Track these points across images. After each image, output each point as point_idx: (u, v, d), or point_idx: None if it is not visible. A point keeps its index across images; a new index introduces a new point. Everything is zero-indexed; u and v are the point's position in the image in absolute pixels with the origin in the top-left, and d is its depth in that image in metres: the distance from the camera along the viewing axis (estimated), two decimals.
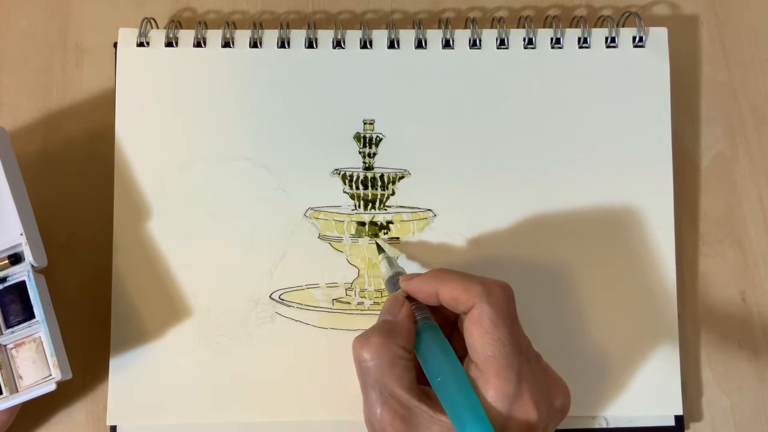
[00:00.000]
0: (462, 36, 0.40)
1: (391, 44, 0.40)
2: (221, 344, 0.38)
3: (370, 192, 0.39)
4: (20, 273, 0.35)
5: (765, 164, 0.42)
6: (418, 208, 0.39)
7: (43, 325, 0.34)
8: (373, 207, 0.39)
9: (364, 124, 0.40)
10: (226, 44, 0.40)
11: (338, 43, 0.40)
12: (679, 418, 0.38)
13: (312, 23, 0.40)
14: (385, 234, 0.39)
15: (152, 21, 0.40)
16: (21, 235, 0.35)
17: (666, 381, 0.38)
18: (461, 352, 0.30)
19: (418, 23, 0.40)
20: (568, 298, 0.39)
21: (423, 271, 0.35)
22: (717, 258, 0.41)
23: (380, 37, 0.40)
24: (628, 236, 0.39)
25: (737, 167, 0.42)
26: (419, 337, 0.31)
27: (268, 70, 0.40)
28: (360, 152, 0.40)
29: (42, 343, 0.35)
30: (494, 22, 0.41)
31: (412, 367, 0.30)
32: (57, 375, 0.34)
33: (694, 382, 0.40)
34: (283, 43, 0.40)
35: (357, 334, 0.32)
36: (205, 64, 0.40)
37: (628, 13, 0.41)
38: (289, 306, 0.38)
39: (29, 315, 0.35)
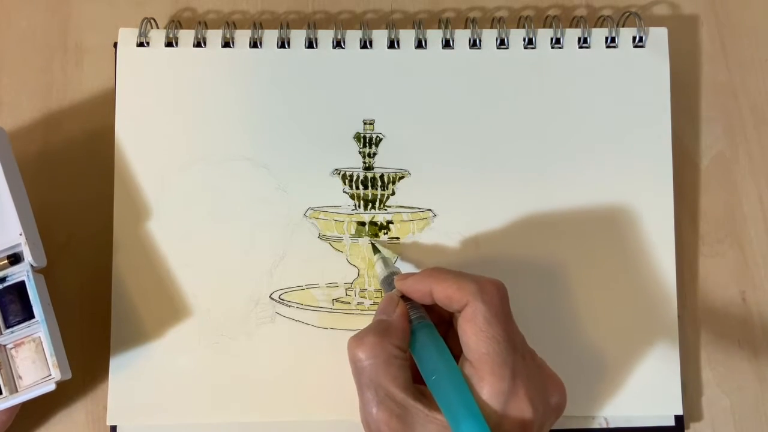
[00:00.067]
0: (462, 36, 0.40)
1: (391, 44, 0.40)
2: (221, 344, 0.38)
3: (370, 192, 0.39)
4: (20, 273, 0.35)
5: (765, 164, 0.42)
6: (418, 208, 0.39)
7: (42, 325, 0.34)
8: (373, 207, 0.39)
9: (364, 124, 0.40)
10: (226, 44, 0.40)
11: (338, 43, 0.40)
12: (679, 418, 0.38)
13: (312, 23, 0.40)
14: (385, 234, 0.39)
15: (152, 21, 0.40)
16: (20, 235, 0.35)
17: (666, 381, 0.38)
18: (457, 351, 0.30)
19: (418, 23, 0.40)
20: (568, 298, 0.39)
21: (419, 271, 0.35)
22: (717, 258, 0.41)
23: (380, 37, 0.40)
24: (628, 236, 0.39)
25: (737, 167, 0.42)
26: (414, 336, 0.31)
27: (268, 70, 0.40)
28: (360, 152, 0.40)
29: (41, 343, 0.35)
30: (494, 22, 0.41)
31: (407, 367, 0.30)
32: (56, 375, 0.34)
33: (694, 382, 0.40)
34: (283, 43, 0.40)
35: None
36: (205, 64, 0.40)
37: (628, 13, 0.41)
38: (289, 306, 0.38)
39: (29, 315, 0.35)
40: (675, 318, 0.39)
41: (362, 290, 0.39)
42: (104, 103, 0.41)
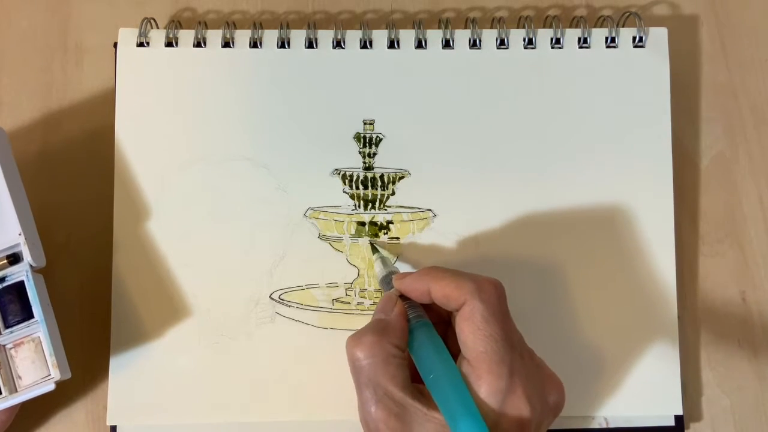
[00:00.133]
0: (462, 36, 0.40)
1: (391, 44, 0.40)
2: (221, 344, 0.38)
3: (370, 192, 0.39)
4: (19, 273, 0.35)
5: (765, 164, 0.42)
6: (418, 208, 0.39)
7: (41, 325, 0.34)
8: (373, 207, 0.39)
9: (364, 124, 0.40)
10: (226, 44, 0.40)
11: (338, 43, 0.40)
12: (679, 418, 0.38)
13: (312, 23, 0.40)
14: (385, 234, 0.39)
15: (152, 21, 0.40)
16: (19, 235, 0.35)
17: (666, 381, 0.38)
18: (455, 350, 0.31)
19: (418, 23, 0.40)
20: (568, 298, 0.39)
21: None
22: (717, 258, 0.41)
23: (380, 37, 0.40)
24: (627, 236, 0.39)
25: (737, 167, 0.42)
26: (412, 335, 0.31)
27: (268, 70, 0.40)
28: (360, 152, 0.40)
29: (41, 342, 0.35)
30: (494, 22, 0.41)
31: (405, 366, 0.30)
32: (56, 375, 0.34)
33: (694, 382, 0.40)
34: (283, 43, 0.40)
35: None
36: (205, 64, 0.40)
37: (628, 13, 0.41)
38: (289, 306, 0.38)
39: (28, 315, 0.35)
40: (675, 318, 0.39)
41: (362, 290, 0.39)
42: (104, 103, 0.41)
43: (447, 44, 0.40)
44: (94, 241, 0.40)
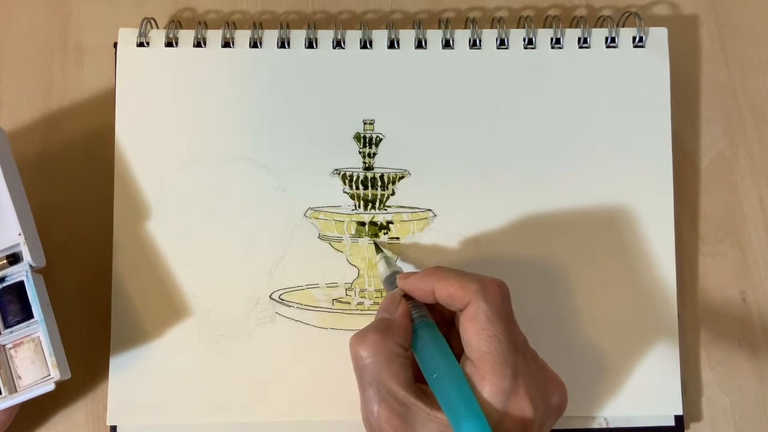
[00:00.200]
0: (462, 36, 0.40)
1: (391, 44, 0.40)
2: (221, 344, 0.38)
3: (370, 192, 0.39)
4: (19, 273, 0.35)
5: (765, 164, 0.42)
6: (418, 208, 0.39)
7: (41, 325, 0.34)
8: (373, 207, 0.39)
9: (364, 124, 0.40)
10: (226, 44, 0.40)
11: (338, 43, 0.40)
12: (679, 418, 0.38)
13: (312, 23, 0.40)
14: (385, 234, 0.39)
15: (152, 21, 0.40)
16: (19, 235, 0.35)
17: (666, 381, 0.38)
18: (458, 351, 0.31)
19: (418, 23, 0.40)
20: (568, 298, 0.39)
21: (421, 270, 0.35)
22: (717, 258, 0.41)
23: (380, 37, 0.40)
24: (628, 236, 0.39)
25: (737, 167, 0.42)
26: (416, 335, 0.31)
27: (268, 70, 0.40)
28: (360, 152, 0.40)
29: (41, 342, 0.35)
30: (494, 22, 0.41)
31: (409, 365, 0.30)
32: (56, 375, 0.34)
33: (694, 382, 0.40)
34: (283, 43, 0.40)
35: None
36: (205, 64, 0.40)
37: (628, 13, 0.41)
38: (289, 306, 0.38)
39: (28, 315, 0.35)
40: (675, 318, 0.39)
41: (362, 290, 0.39)
42: (104, 103, 0.41)
43: (447, 44, 0.40)
44: (94, 241, 0.40)
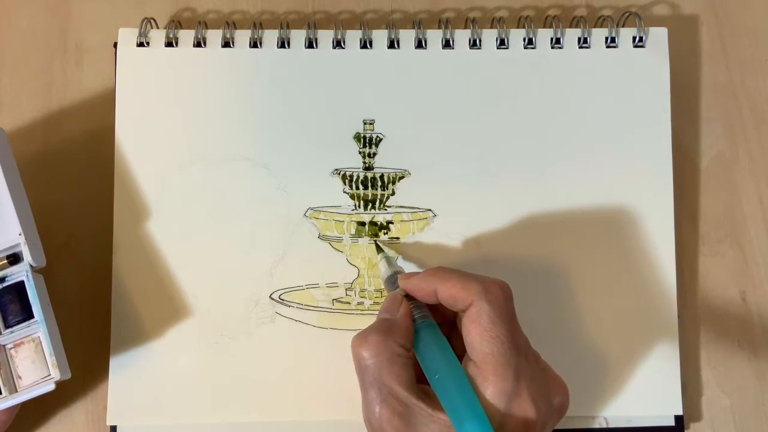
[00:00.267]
0: (462, 36, 0.40)
1: (391, 44, 0.40)
2: (221, 344, 0.38)
3: (370, 192, 0.39)
4: (19, 273, 0.35)
5: (765, 164, 0.42)
6: (418, 208, 0.39)
7: (41, 325, 0.34)
8: (373, 207, 0.39)
9: (364, 124, 0.40)
10: (226, 44, 0.40)
11: (338, 43, 0.40)
12: (679, 418, 0.38)
13: (312, 23, 0.40)
14: (385, 234, 0.39)
15: (152, 21, 0.40)
16: (20, 235, 0.35)
17: (666, 381, 0.38)
18: (460, 351, 0.30)
19: (418, 23, 0.40)
20: (568, 298, 0.39)
21: (422, 270, 0.35)
22: (717, 258, 0.41)
23: (380, 37, 0.40)
24: (628, 236, 0.39)
25: (737, 167, 0.42)
26: (418, 336, 0.31)
27: (268, 70, 0.40)
28: (360, 152, 0.40)
29: (41, 342, 0.35)
30: (494, 22, 0.41)
31: (410, 366, 0.30)
32: (56, 375, 0.34)
33: (694, 382, 0.40)
34: (283, 43, 0.40)
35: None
36: (205, 64, 0.40)
37: (628, 13, 0.41)
38: (289, 306, 0.38)
39: (28, 315, 0.35)
40: (675, 318, 0.39)
41: (362, 290, 0.39)
42: (104, 103, 0.41)
43: (447, 44, 0.40)
44: (94, 241, 0.40)
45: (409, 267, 0.39)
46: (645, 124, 0.40)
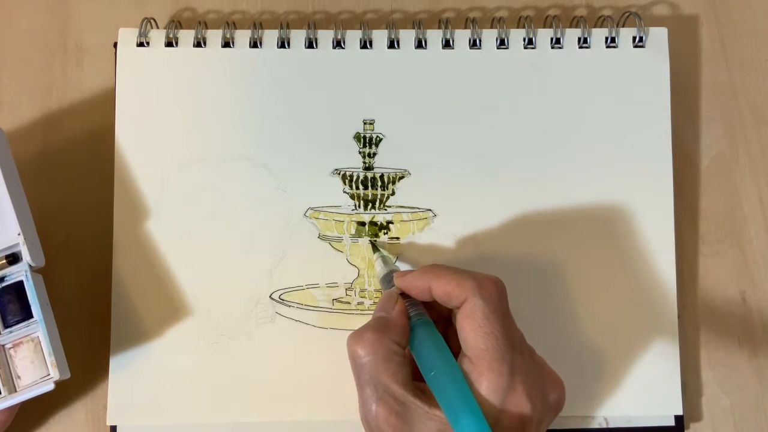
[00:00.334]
0: (462, 36, 0.40)
1: (391, 44, 0.40)
2: (221, 344, 0.38)
3: (370, 192, 0.39)
4: (18, 273, 0.35)
5: (765, 164, 0.42)
6: (418, 208, 0.39)
7: (41, 325, 0.34)
8: (373, 207, 0.39)
9: (364, 124, 0.40)
10: (226, 44, 0.40)
11: (338, 43, 0.40)
12: (679, 418, 0.38)
13: (312, 23, 0.40)
14: (385, 234, 0.39)
15: (152, 21, 0.40)
16: (18, 235, 0.35)
17: (666, 381, 0.38)
18: (456, 349, 0.31)
19: (418, 23, 0.40)
20: (568, 298, 0.39)
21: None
22: (717, 258, 0.41)
23: (380, 37, 0.40)
24: (628, 236, 0.39)
25: (737, 167, 0.42)
26: (413, 333, 0.31)
27: (268, 70, 0.40)
28: (360, 152, 0.40)
29: (40, 342, 0.35)
30: (494, 22, 0.41)
31: (406, 363, 0.30)
32: (55, 375, 0.34)
33: (694, 382, 0.40)
34: (283, 43, 0.40)
35: None
36: (205, 64, 0.40)
37: (628, 13, 0.41)
38: (289, 306, 0.38)
39: (27, 315, 0.35)
40: (675, 318, 0.38)
41: (362, 290, 0.39)
42: (104, 103, 0.41)
43: (447, 44, 0.40)
44: (94, 241, 0.40)
45: (408, 267, 0.39)
46: (645, 124, 0.40)
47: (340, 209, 0.39)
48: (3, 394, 0.34)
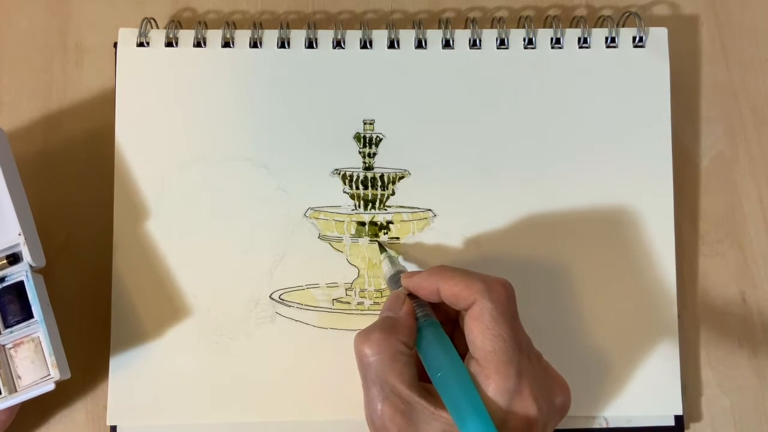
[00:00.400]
0: (462, 36, 0.40)
1: (391, 44, 0.40)
2: (221, 344, 0.38)
3: (370, 192, 0.39)
4: (18, 273, 0.35)
5: (765, 164, 0.42)
6: (418, 208, 0.39)
7: (41, 325, 0.34)
8: (373, 207, 0.39)
9: (364, 124, 0.40)
10: (226, 44, 0.40)
11: (338, 43, 0.40)
12: (679, 418, 0.38)
13: (312, 23, 0.40)
14: (385, 234, 0.39)
15: (152, 21, 0.40)
16: (19, 235, 0.35)
17: (666, 381, 0.38)
18: (463, 350, 0.31)
19: (418, 23, 0.40)
20: (568, 298, 0.39)
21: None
22: (717, 258, 0.41)
23: (380, 37, 0.40)
24: (628, 236, 0.39)
25: (737, 167, 0.42)
26: (420, 334, 0.31)
27: (268, 70, 0.40)
28: (360, 152, 0.40)
29: (41, 342, 0.35)
30: (494, 22, 0.41)
31: (413, 364, 0.30)
32: (55, 375, 0.34)
33: (694, 382, 0.40)
34: (283, 43, 0.40)
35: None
36: (205, 64, 0.40)
37: (628, 13, 0.41)
38: (289, 306, 0.38)
39: (28, 315, 0.35)
40: (675, 318, 0.38)
41: (362, 290, 0.39)
42: (104, 103, 0.41)
43: (447, 44, 0.40)
44: (94, 241, 0.40)
45: (409, 267, 0.39)
46: (645, 124, 0.40)
47: (340, 209, 0.39)
48: (3, 394, 0.34)
